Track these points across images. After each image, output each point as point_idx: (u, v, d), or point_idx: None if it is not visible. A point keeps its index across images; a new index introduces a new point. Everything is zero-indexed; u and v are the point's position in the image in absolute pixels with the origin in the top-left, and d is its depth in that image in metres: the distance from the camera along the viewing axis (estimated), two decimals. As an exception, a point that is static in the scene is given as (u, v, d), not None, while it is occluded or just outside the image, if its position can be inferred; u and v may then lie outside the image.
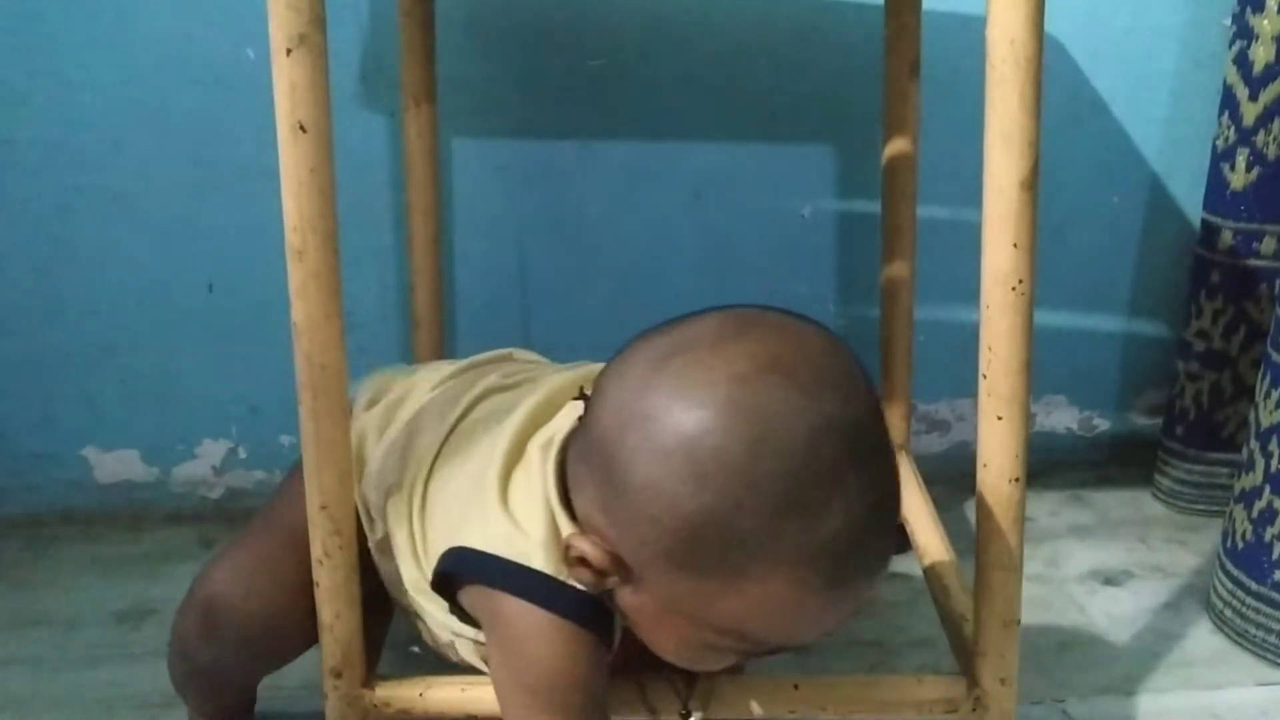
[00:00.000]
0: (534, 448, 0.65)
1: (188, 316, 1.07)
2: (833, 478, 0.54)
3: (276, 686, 0.87)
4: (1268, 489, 0.89)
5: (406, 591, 0.70)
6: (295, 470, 0.76)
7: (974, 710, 0.71)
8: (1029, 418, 1.20)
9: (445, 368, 0.78)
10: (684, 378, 0.55)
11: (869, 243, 1.06)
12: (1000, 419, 0.66)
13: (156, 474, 1.12)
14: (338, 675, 0.70)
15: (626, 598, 0.60)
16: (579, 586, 0.61)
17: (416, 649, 0.90)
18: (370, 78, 1.01)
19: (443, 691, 0.72)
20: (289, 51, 0.58)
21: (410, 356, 1.03)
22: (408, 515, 0.69)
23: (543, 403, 0.68)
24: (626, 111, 1.05)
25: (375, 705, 0.72)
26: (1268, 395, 0.88)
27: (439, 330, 1.03)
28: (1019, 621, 0.69)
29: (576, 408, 0.64)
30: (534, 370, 0.77)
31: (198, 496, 1.13)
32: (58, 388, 1.08)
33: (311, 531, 0.67)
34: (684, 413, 0.54)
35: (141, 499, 1.12)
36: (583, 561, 0.59)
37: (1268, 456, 0.88)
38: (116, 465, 1.12)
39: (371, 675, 0.72)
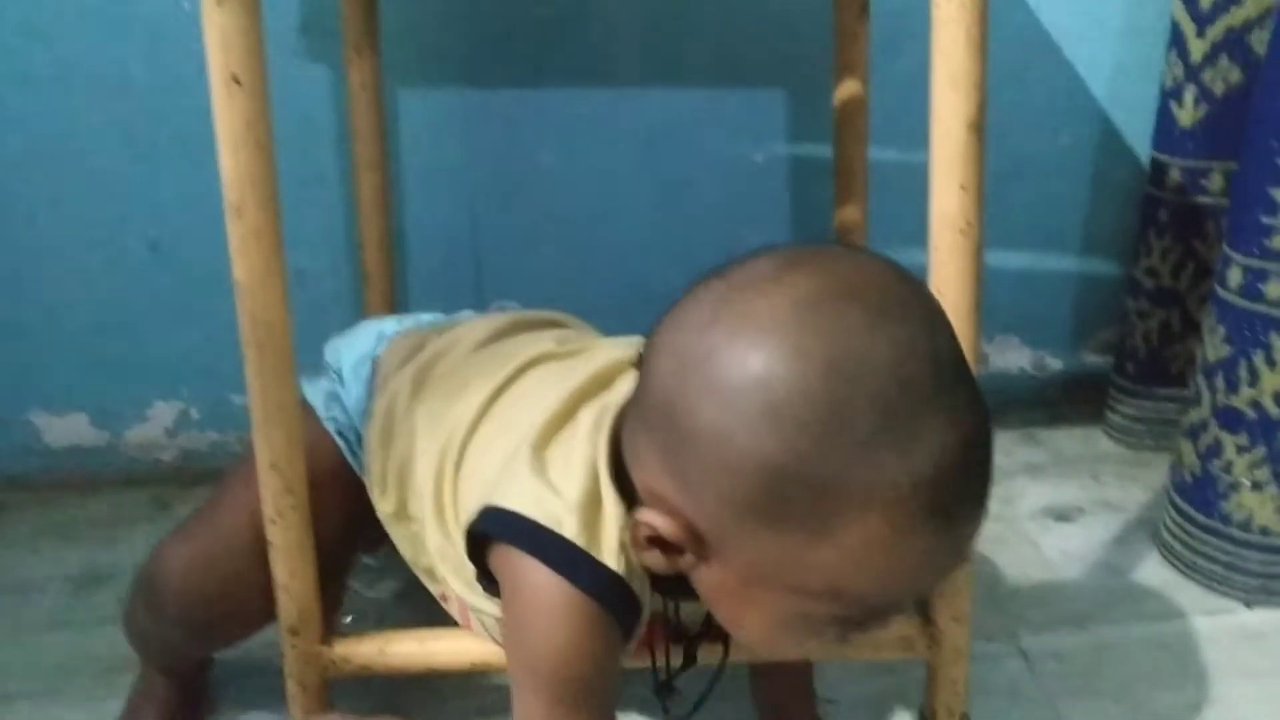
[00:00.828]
0: (585, 415, 0.61)
1: (132, 277, 1.05)
2: (922, 401, 0.48)
3: (235, 646, 0.87)
4: (1214, 423, 0.90)
5: (429, 554, 0.67)
6: (248, 452, 0.74)
7: (929, 647, 0.73)
8: (980, 358, 1.22)
9: (485, 325, 0.75)
10: (745, 311, 0.50)
11: (822, 187, 1.05)
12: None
13: (107, 438, 1.11)
14: (295, 633, 0.70)
15: (705, 577, 0.55)
16: (607, 563, 0.57)
17: (349, 618, 0.90)
18: (310, 28, 0.99)
19: (403, 646, 0.72)
20: (219, 0, 0.56)
21: (363, 312, 1.02)
22: (437, 478, 0.66)
23: (599, 373, 0.64)
24: (576, 59, 1.04)
25: (334, 662, 0.72)
26: (1213, 331, 0.89)
27: (390, 285, 1.02)
28: (971, 559, 0.70)
29: (633, 378, 0.58)
30: (588, 340, 0.73)
31: (151, 459, 1.12)
32: (1, 351, 1.07)
33: (263, 491, 0.67)
34: (750, 346, 0.49)
35: (93, 463, 1.11)
36: (654, 541, 0.54)
37: (1213, 391, 0.90)
38: (66, 429, 1.10)
39: (330, 632, 0.72)
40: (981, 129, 0.60)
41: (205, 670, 0.83)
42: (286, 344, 0.63)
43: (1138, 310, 1.12)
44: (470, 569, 0.62)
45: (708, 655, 0.70)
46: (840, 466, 0.48)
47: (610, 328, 1.13)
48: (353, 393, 0.75)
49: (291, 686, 0.72)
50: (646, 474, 0.55)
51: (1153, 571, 0.97)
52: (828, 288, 0.50)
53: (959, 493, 0.50)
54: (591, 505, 0.58)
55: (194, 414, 1.11)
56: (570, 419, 0.62)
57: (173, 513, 1.07)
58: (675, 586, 0.59)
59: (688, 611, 0.64)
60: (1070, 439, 1.17)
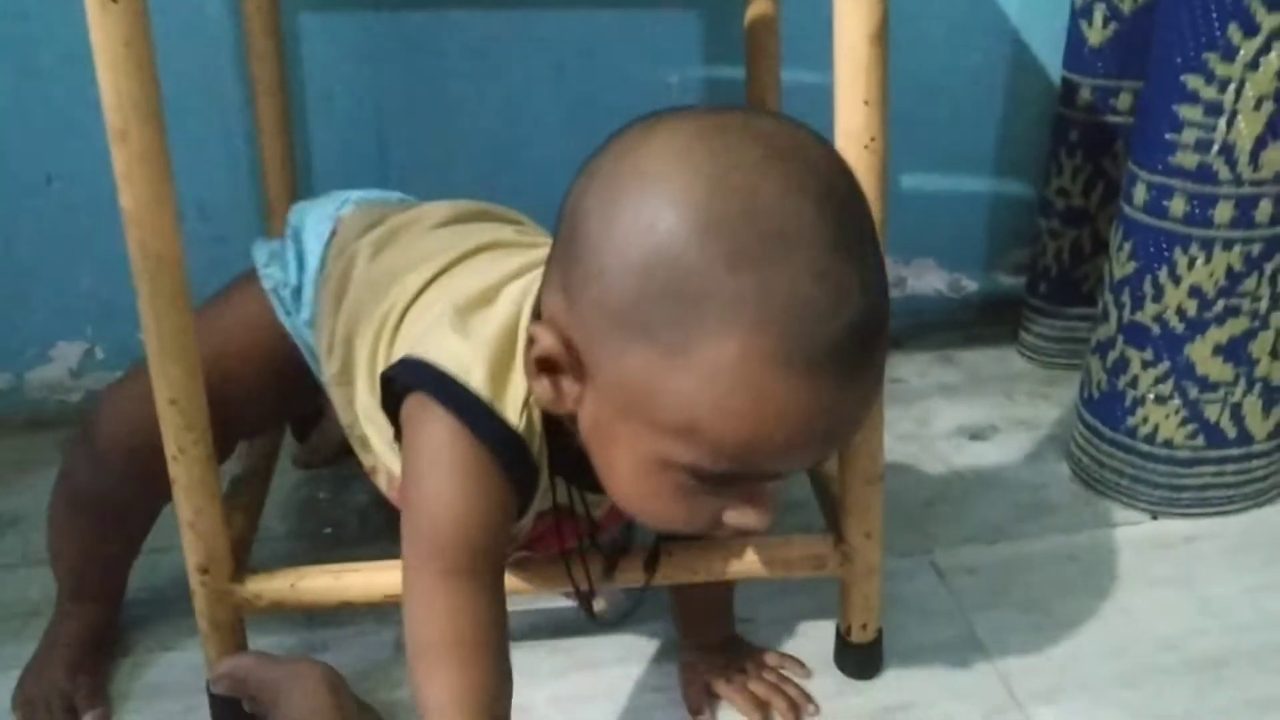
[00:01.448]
0: (515, 286, 0.62)
1: (28, 212, 1.01)
2: (803, 239, 0.48)
3: (148, 587, 0.85)
4: (1120, 339, 0.92)
5: (358, 417, 0.68)
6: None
7: (841, 565, 0.74)
8: (897, 282, 1.22)
9: (449, 208, 0.75)
10: (652, 134, 0.51)
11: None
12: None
13: (9, 380, 1.08)
14: (204, 571, 0.69)
15: (584, 414, 0.55)
16: (508, 418, 0.57)
17: (329, 530, 0.90)
18: (203, -53, 0.95)
19: (315, 581, 0.71)
20: (88, -93, 0.53)
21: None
22: (375, 339, 0.67)
23: (538, 260, 0.63)
24: (483, -21, 1.01)
25: (246, 599, 0.70)
26: (1120, 248, 0.91)
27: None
28: (881, 477, 0.71)
29: None
30: (547, 238, 0.72)
31: (55, 401, 1.09)
32: (-110, 293, 1.02)
33: (163, 428, 0.65)
34: (642, 159, 0.50)
35: (-6, 406, 1.08)
36: (542, 367, 0.54)
37: (1120, 308, 0.91)
38: (-36, 372, 1.06)
39: (241, 569, 0.71)
40: (884, 42, 0.59)
41: (117, 605, 0.82)
42: (179, 274, 0.61)
43: (1049, 230, 1.13)
44: (389, 427, 0.63)
45: (628, 574, 0.71)
46: (705, 279, 0.47)
47: None
48: (310, 248, 0.75)
49: (203, 626, 0.71)
50: (548, 294, 0.56)
51: (1063, 486, 1.00)
52: (730, 123, 0.51)
53: (829, 348, 0.48)
54: (502, 361, 0.58)
55: (99, 353, 1.08)
56: (502, 290, 0.62)
57: (80, 455, 1.04)
58: (577, 472, 0.60)
59: (594, 503, 0.64)
60: (985, 359, 1.19)
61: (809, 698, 0.78)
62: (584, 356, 0.53)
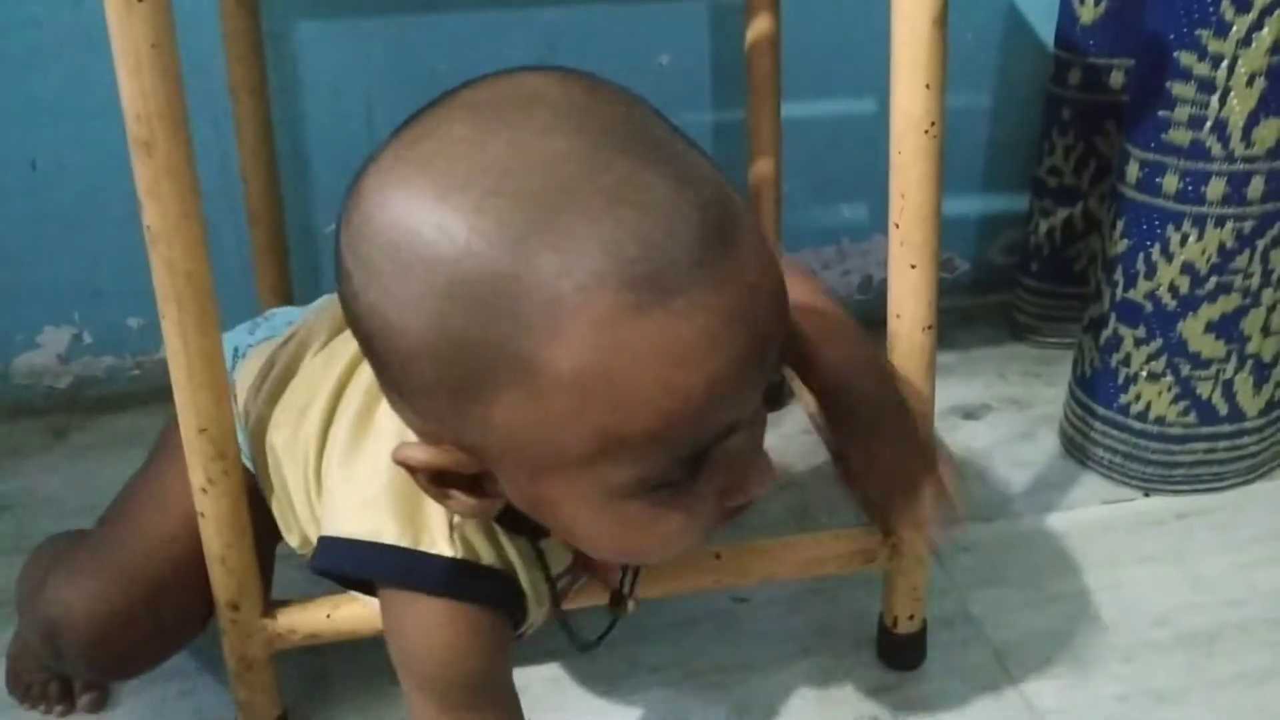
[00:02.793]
0: (381, 414, 0.55)
1: (13, 197, 1.00)
2: (564, 169, 0.41)
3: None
4: (1113, 317, 0.92)
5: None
6: (143, 471, 0.72)
7: (890, 558, 0.73)
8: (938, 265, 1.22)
9: (326, 319, 0.67)
10: (358, 207, 0.45)
11: (733, 91, 1.04)
12: (913, 267, 0.64)
13: (-3, 366, 1.07)
14: (235, 608, 0.66)
15: (511, 494, 0.48)
16: (441, 552, 0.52)
17: None
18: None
19: (352, 609, 0.67)
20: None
21: (252, 254, 0.98)
22: (310, 514, 0.62)
23: None
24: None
25: (279, 634, 0.67)
26: (1113, 226, 0.91)
27: (277, 221, 0.97)
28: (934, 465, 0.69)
29: None
30: None
31: (44, 387, 1.08)
32: (-125, 279, 1.01)
33: (190, 459, 0.62)
34: (376, 225, 0.43)
35: (-18, 393, 1.07)
36: (436, 480, 0.48)
37: (1112, 286, 0.91)
38: (-49, 359, 1.06)
39: (270, 603, 0.68)
40: (945, 25, 0.57)
41: None
42: (208, 294, 0.58)
43: (1041, 209, 1.13)
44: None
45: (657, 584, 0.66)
46: (501, 288, 0.40)
47: None
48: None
49: (234, 664, 0.68)
50: (395, 409, 0.49)
51: (1055, 464, 1.00)
52: (439, 112, 0.44)
53: (666, 260, 0.40)
54: (406, 500, 0.52)
55: (87, 338, 1.07)
56: (374, 415, 0.56)
57: (69, 441, 1.03)
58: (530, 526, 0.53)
59: (551, 546, 0.58)
60: (978, 339, 1.19)
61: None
62: (463, 448, 0.46)
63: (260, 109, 0.93)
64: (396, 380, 0.46)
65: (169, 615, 0.66)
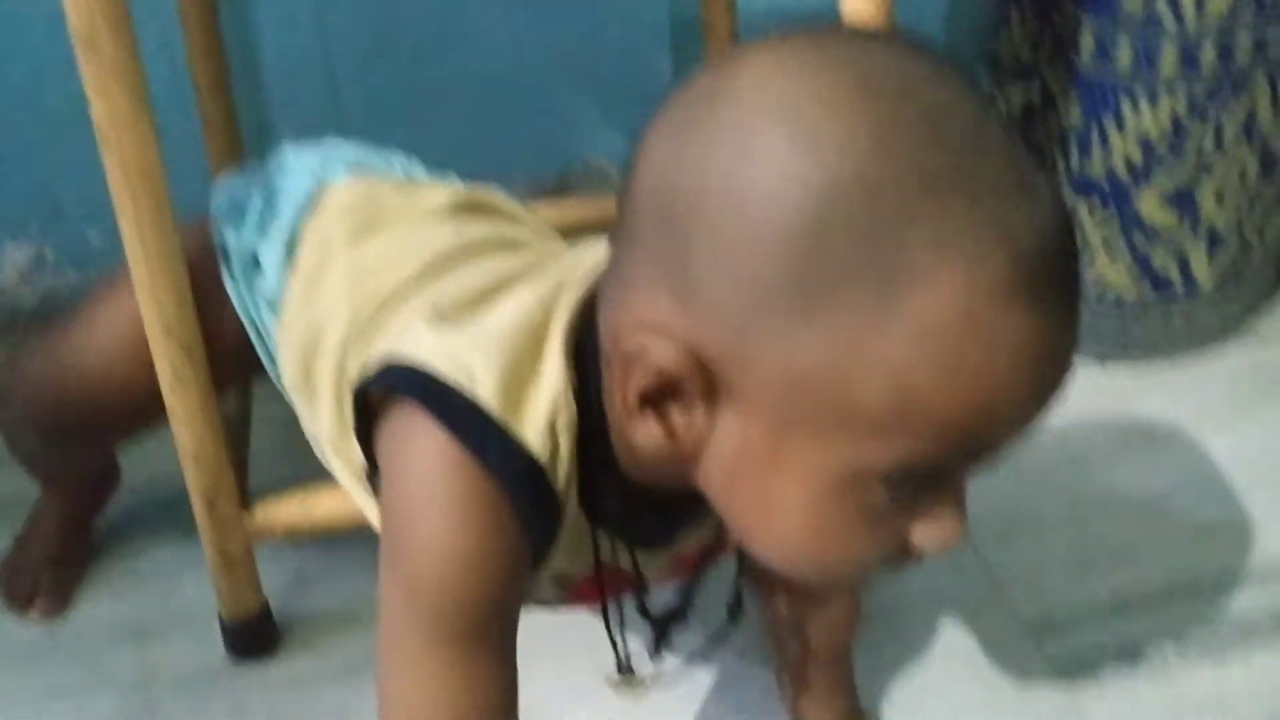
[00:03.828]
0: (519, 289, 0.49)
1: (-39, 111, 0.99)
2: (982, 136, 0.38)
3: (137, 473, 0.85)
4: (1071, 191, 0.93)
5: (321, 440, 0.58)
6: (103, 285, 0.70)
7: None
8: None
9: (446, 195, 0.62)
10: (742, 67, 0.40)
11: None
12: None
13: (-42, 286, 1.06)
14: (211, 503, 0.67)
15: (716, 449, 0.41)
16: (527, 441, 0.44)
17: None
18: None
19: (328, 503, 0.67)
20: None
21: (207, 158, 0.97)
22: (342, 342, 0.55)
23: (568, 267, 0.50)
24: None
25: (257, 528, 0.68)
26: (1068, 101, 0.91)
27: (229, 123, 0.94)
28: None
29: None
30: (547, 245, 0.62)
31: (8, 306, 1.08)
32: None
33: (158, 359, 0.62)
34: (764, 84, 0.39)
35: (-55, 313, 1.07)
36: (649, 399, 0.41)
37: (1068, 160, 0.92)
38: (-91, 280, 1.05)
39: (246, 496, 0.69)
40: None
41: (99, 493, 0.83)
42: (163, 192, 0.58)
43: (1000, 88, 1.13)
44: (362, 459, 0.49)
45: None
46: (899, 210, 0.37)
47: (476, 130, 1.10)
48: (283, 210, 0.63)
49: (213, 558, 0.70)
50: (635, 297, 0.41)
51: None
52: (836, 34, 0.42)
53: (1045, 260, 0.38)
54: (523, 364, 0.45)
55: (49, 255, 1.06)
56: (504, 291, 0.50)
57: (39, 357, 1.04)
58: (633, 526, 0.48)
59: (648, 563, 0.51)
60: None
61: None
62: (722, 368, 0.39)
63: (207, 14, 0.91)
64: (693, 264, 0.39)
65: (104, 412, 0.67)
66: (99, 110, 0.55)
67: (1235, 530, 0.82)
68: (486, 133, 1.07)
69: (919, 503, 0.42)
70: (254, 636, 0.75)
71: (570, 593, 0.53)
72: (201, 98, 0.93)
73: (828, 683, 0.68)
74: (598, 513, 0.47)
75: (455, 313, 0.48)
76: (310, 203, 0.62)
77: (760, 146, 0.38)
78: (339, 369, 0.54)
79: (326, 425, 0.56)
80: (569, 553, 0.48)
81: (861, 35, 0.43)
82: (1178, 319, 0.96)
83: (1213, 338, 0.99)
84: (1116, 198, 0.90)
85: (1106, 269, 0.94)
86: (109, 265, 1.07)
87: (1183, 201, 0.90)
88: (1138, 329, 0.96)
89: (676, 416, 0.41)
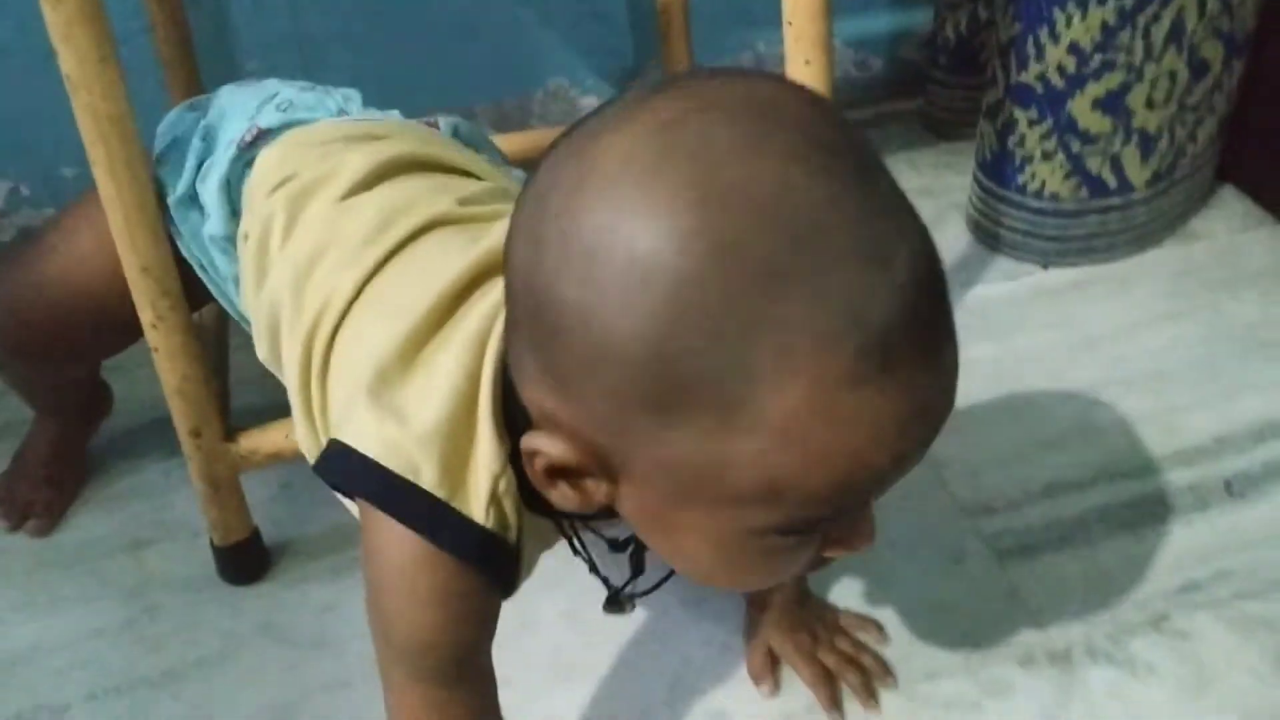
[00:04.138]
0: (474, 311, 0.51)
1: (-70, 51, 1.00)
2: (831, 227, 0.39)
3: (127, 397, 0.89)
4: (1008, 101, 0.97)
5: (293, 411, 0.59)
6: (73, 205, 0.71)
7: None
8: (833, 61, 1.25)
9: (369, 161, 0.60)
10: (595, 156, 0.40)
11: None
12: (808, 63, 0.68)
13: (-63, 223, 1.09)
14: (197, 434, 0.69)
15: (625, 505, 0.46)
16: (474, 517, 0.48)
17: None
18: None
19: None
20: None
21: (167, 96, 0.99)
22: (303, 374, 0.57)
23: (495, 251, 0.50)
24: None
25: (242, 456, 0.71)
26: (1005, 12, 0.94)
27: (187, 60, 0.95)
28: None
29: None
30: (495, 192, 0.62)
31: (-12, 241, 1.11)
32: None
33: (137, 297, 0.64)
34: (599, 196, 0.40)
35: (-74, 250, 1.09)
36: (554, 473, 0.45)
37: (1006, 70, 0.96)
38: (-110, 218, 1.08)
39: (230, 426, 0.72)
40: None
41: (90, 416, 0.87)
42: (134, 135, 0.59)
43: (948, 2, 1.16)
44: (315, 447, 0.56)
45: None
46: (739, 321, 0.38)
47: (438, 60, 1.12)
48: (219, 156, 0.65)
49: (201, 488, 0.73)
50: (529, 387, 0.44)
51: (963, 247, 1.06)
52: (685, 107, 0.40)
53: (904, 330, 0.39)
54: (459, 447, 0.48)
55: (24, 191, 1.09)
56: (454, 313, 0.51)
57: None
58: (587, 516, 0.52)
59: (604, 526, 0.57)
60: (893, 134, 1.23)
61: (887, 669, 0.72)
62: (608, 452, 0.43)
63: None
64: (562, 369, 0.42)
65: (81, 330, 0.70)
66: (67, 58, 0.56)
67: (1160, 418, 0.88)
68: (448, 62, 1.10)
69: (822, 530, 0.46)
70: (245, 560, 0.78)
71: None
72: (159, 34, 0.95)
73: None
74: (557, 516, 0.53)
75: (392, 373, 0.50)
76: (241, 148, 0.64)
77: (605, 262, 0.39)
78: (304, 392, 0.57)
79: (305, 445, 0.60)
80: (541, 543, 0.55)
81: (719, 104, 0.41)
82: (1114, 220, 1.00)
83: (1149, 237, 1.03)
84: (1052, 105, 0.94)
85: (1045, 174, 0.98)
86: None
87: (1115, 106, 0.94)
88: (1077, 230, 1.00)
89: (586, 483, 0.45)
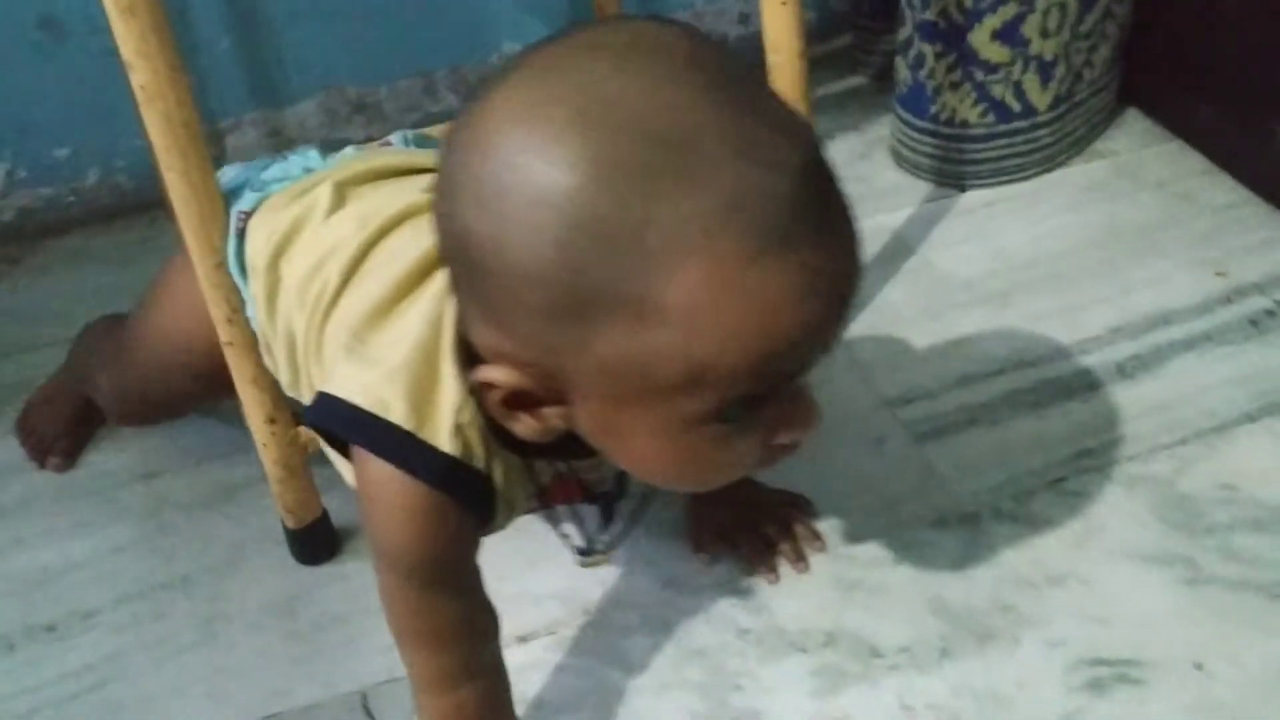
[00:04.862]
0: (440, 276, 0.55)
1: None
2: (695, 116, 0.44)
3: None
4: (916, 37, 1.06)
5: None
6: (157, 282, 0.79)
7: None
8: (741, 19, 1.33)
9: (343, 175, 0.67)
10: (488, 103, 0.46)
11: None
12: (784, 4, 0.76)
13: (-62, 204, 1.16)
14: (272, 421, 0.73)
15: (581, 422, 0.51)
16: (441, 447, 0.54)
17: None
18: None
19: None
20: None
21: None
22: (306, 361, 0.63)
23: None
24: None
25: (312, 439, 0.73)
26: (908, -45, 1.03)
27: None
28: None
29: None
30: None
31: (-13, 221, 1.19)
32: None
33: (212, 294, 0.67)
34: (492, 132, 0.45)
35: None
36: (511, 402, 0.50)
37: (912, 9, 1.05)
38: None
39: (299, 414, 0.73)
40: None
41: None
42: (202, 139, 0.62)
43: (866, -46, 1.25)
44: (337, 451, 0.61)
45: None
46: (629, 220, 0.43)
47: (397, 29, 1.19)
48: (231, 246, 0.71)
49: (276, 473, 0.77)
50: (475, 330, 0.50)
51: (887, 176, 1.15)
52: (568, 50, 0.47)
53: (792, 214, 0.44)
54: (424, 385, 0.54)
55: (21, 173, 1.17)
56: (425, 279, 0.57)
57: (24, 265, 1.16)
58: (557, 450, 0.57)
59: (584, 469, 0.63)
60: (824, 77, 1.32)
61: (817, 534, 0.80)
62: (551, 374, 0.49)
63: None
64: (492, 302, 0.47)
65: (179, 393, 0.82)
66: (142, 72, 0.57)
67: (1062, 315, 0.97)
68: (408, 30, 1.18)
69: (765, 412, 0.50)
70: (317, 540, 0.83)
71: (542, 500, 0.65)
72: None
73: None
74: (526, 450, 0.58)
75: (365, 332, 0.57)
76: (237, 236, 0.68)
77: (509, 195, 0.45)
78: (309, 384, 0.65)
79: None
80: (518, 484, 0.60)
81: (602, 44, 0.46)
82: (1021, 143, 1.10)
83: (1057, 157, 1.13)
84: (955, 38, 1.03)
85: (955, 103, 1.07)
86: (77, 179, 1.18)
87: (1011, 36, 1.03)
88: (989, 154, 1.10)
89: (543, 411, 0.51)
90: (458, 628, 0.62)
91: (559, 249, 0.44)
